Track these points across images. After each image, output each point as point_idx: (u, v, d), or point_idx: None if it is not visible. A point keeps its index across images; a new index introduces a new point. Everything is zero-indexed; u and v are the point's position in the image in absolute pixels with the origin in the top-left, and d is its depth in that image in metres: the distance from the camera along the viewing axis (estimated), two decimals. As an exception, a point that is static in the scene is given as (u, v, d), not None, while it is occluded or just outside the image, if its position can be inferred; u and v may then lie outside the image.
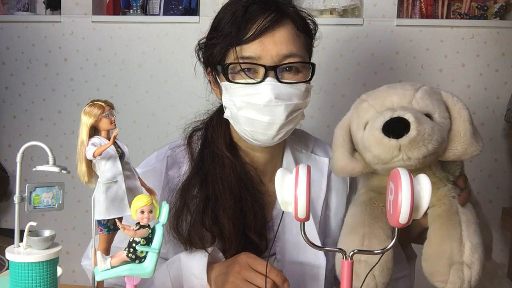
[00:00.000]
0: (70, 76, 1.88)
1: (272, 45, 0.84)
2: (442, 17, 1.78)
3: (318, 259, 0.93)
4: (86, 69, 1.87)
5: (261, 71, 0.85)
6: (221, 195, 0.90)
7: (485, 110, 1.74)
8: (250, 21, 0.85)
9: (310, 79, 0.90)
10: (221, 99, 0.93)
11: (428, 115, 0.73)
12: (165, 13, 1.89)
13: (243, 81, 0.85)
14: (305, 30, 0.91)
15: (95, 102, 0.62)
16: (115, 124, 0.63)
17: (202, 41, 0.95)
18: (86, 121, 0.61)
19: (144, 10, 1.91)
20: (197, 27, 1.78)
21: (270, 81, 0.84)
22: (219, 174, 0.91)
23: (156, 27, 1.83)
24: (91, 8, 1.83)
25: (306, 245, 0.91)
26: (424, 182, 0.53)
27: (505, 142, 1.75)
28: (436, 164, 0.77)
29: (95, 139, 0.61)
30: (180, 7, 1.87)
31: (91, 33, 1.85)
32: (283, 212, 0.60)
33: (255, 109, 0.85)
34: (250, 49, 0.85)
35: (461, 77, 1.74)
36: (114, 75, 1.86)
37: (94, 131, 0.62)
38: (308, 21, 0.93)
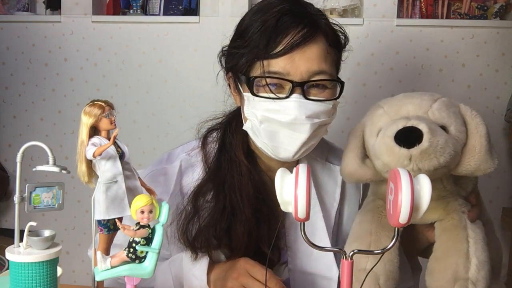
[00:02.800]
0: (70, 76, 1.88)
1: (303, 61, 0.80)
2: (442, 17, 1.78)
3: (331, 271, 0.90)
4: (86, 69, 1.87)
5: (288, 86, 0.80)
6: (238, 206, 0.86)
7: (485, 110, 1.73)
8: (280, 34, 0.80)
9: (338, 96, 0.86)
10: (240, 105, 0.89)
11: (444, 127, 0.70)
12: (165, 13, 1.90)
13: (268, 95, 0.81)
14: (336, 45, 0.88)
15: (95, 102, 0.62)
16: (115, 124, 0.63)
17: (226, 48, 0.91)
18: (86, 121, 0.61)
19: (144, 10, 1.92)
20: (197, 27, 1.80)
21: (296, 97, 0.79)
22: (237, 184, 0.88)
23: (156, 27, 1.83)
24: (91, 8, 1.83)
25: (319, 256, 0.91)
26: (424, 182, 0.53)
27: (505, 142, 1.75)
28: (448, 177, 0.75)
29: (95, 139, 0.61)
30: (180, 7, 1.87)
31: (91, 33, 1.85)
32: (283, 213, 0.59)
33: (278, 124, 0.81)
34: (279, 65, 0.80)
35: (461, 77, 1.74)
36: (114, 75, 1.86)
37: (94, 131, 0.62)
38: (339, 33, 0.89)
